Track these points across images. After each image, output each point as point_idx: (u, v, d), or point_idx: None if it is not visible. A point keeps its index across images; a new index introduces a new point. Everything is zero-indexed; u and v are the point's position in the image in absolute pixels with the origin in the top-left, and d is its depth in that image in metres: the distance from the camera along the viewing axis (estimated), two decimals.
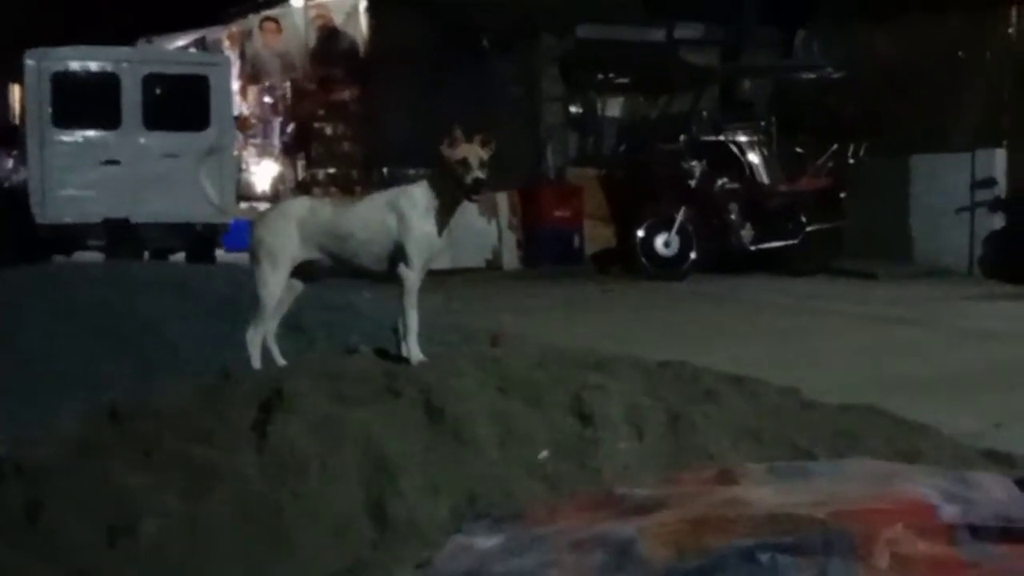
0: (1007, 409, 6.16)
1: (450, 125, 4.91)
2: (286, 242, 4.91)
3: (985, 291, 12.49)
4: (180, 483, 3.73)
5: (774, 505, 2.69)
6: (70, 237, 13.77)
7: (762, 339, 9.28)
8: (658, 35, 17.56)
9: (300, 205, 5.14)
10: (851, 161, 14.71)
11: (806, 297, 12.24)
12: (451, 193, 4.86)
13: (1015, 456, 4.49)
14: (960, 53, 14.37)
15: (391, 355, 5.03)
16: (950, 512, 2.67)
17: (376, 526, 3.62)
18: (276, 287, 4.93)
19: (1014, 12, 14.43)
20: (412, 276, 4.87)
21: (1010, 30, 14.40)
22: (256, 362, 4.94)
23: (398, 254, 4.87)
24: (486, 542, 2.93)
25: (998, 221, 14.00)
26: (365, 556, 3.48)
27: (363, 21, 17.79)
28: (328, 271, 5.15)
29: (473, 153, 4.82)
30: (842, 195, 14.58)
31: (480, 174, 4.80)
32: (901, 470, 3.07)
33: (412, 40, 16.89)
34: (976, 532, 2.62)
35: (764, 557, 2.51)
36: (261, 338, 4.98)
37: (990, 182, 14.17)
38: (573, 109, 18.00)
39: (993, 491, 2.86)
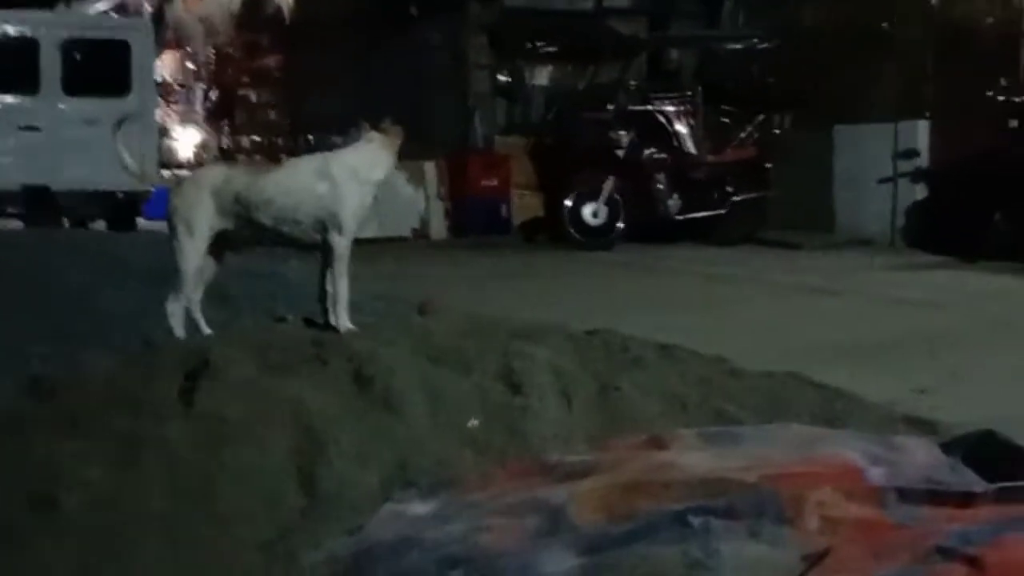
0: (928, 376, 6.27)
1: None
2: (201, 211, 4.87)
3: (907, 261, 12.67)
4: (106, 453, 3.69)
5: (705, 469, 2.73)
6: None
7: (689, 308, 9.34)
8: (586, 4, 17.56)
9: (215, 173, 5.11)
10: (776, 132, 14.83)
11: (732, 266, 12.34)
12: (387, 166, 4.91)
13: (937, 422, 4.58)
14: (884, 24, 14.52)
15: (319, 324, 5.02)
16: (877, 475, 2.72)
17: (306, 495, 3.61)
18: (194, 256, 4.90)
19: None
20: (344, 243, 4.87)
21: (932, 2, 14.58)
22: (179, 331, 4.91)
23: (329, 222, 4.85)
24: (418, 508, 2.95)
25: (920, 192, 14.19)
26: (295, 524, 3.48)
27: None
28: (250, 240, 5.13)
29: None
30: (767, 166, 14.71)
31: None
32: (828, 435, 3.13)
33: (340, 6, 16.75)
34: (903, 495, 2.67)
35: (696, 520, 2.54)
36: (183, 308, 4.95)
37: (912, 153, 14.34)
38: (501, 77, 17.96)
39: (918, 455, 2.92)
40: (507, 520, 2.68)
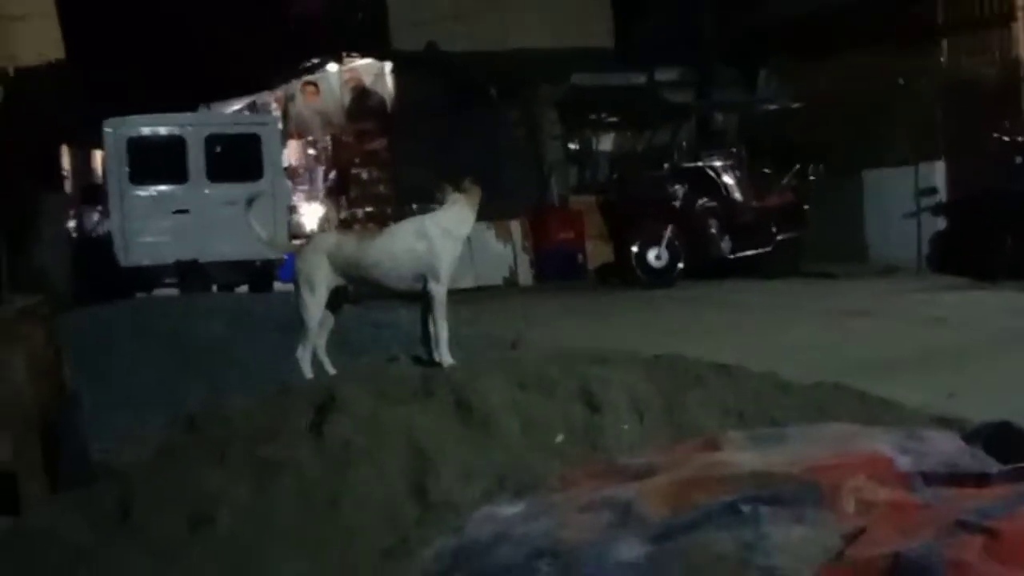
0: (957, 384, 6.12)
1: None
2: (318, 271, 4.93)
3: (933, 284, 12.42)
4: (249, 478, 3.72)
5: (754, 465, 2.69)
6: (148, 276, 13.84)
7: (742, 333, 9.24)
8: (640, 79, 17.59)
9: (329, 239, 5.18)
10: (810, 178, 14.69)
11: (778, 296, 12.21)
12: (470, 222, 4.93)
13: (963, 420, 4.46)
14: (900, 80, 14.33)
15: (425, 362, 5.04)
16: (905, 462, 2.68)
17: (419, 507, 3.61)
18: (316, 309, 4.95)
19: (945, 44, 14.43)
20: (442, 291, 4.89)
21: (942, 59, 14.39)
22: (308, 373, 4.95)
23: (429, 273, 4.88)
24: (509, 509, 2.92)
25: (941, 223, 13.93)
26: (410, 532, 3.47)
27: (389, 81, 17.86)
28: (363, 291, 5.18)
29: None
30: (804, 207, 14.56)
31: None
32: (862, 431, 3.06)
33: (431, 94, 16.96)
34: (927, 478, 2.64)
35: (747, 508, 2.52)
36: (311, 353, 4.99)
37: (932, 190, 14.12)
38: (571, 145, 18.03)
39: (941, 444, 2.87)
40: (584, 516, 2.66)
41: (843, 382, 4.84)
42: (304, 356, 4.97)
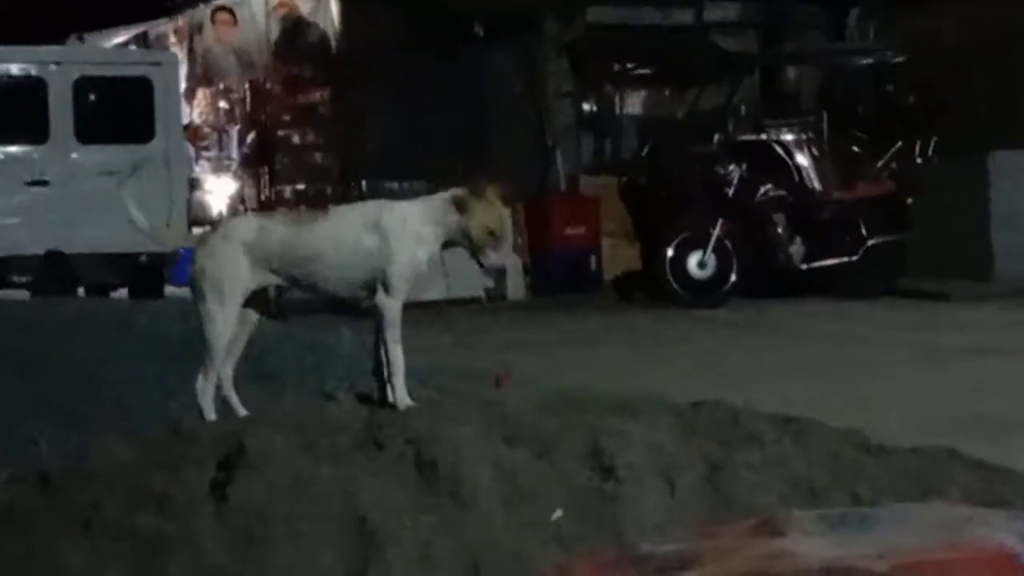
0: None
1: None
2: (233, 271, 4.92)
3: None
4: (125, 558, 3.73)
5: (827, 558, 2.71)
6: None
7: (815, 375, 9.27)
8: (685, 17, 17.65)
9: (246, 225, 5.16)
10: (918, 161, 14.75)
11: (867, 325, 12.24)
12: (450, 230, 4.92)
13: None
14: None
15: (373, 401, 5.05)
16: None
17: None
18: (226, 325, 4.94)
19: None
20: (394, 306, 4.90)
21: None
22: (210, 414, 4.96)
23: (378, 280, 4.90)
24: None
25: None
26: None
27: (334, 9, 17.88)
28: (290, 300, 5.18)
29: (499, 220, 4.90)
30: (908, 202, 14.60)
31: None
32: (975, 514, 3.09)
33: (394, 30, 16.95)
34: None
35: None
36: (214, 386, 5.00)
37: None
38: (586, 107, 18.08)
39: None
40: None
41: (954, 446, 4.87)
42: (205, 391, 4.98)
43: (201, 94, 20.25)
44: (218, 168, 19.68)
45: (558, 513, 3.97)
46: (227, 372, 5.08)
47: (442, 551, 3.78)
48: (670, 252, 14.30)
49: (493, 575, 3.65)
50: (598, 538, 3.83)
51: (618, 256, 16.04)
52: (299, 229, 5.03)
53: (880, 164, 14.72)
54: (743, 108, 15.65)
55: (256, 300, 5.10)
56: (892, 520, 3.04)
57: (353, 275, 4.95)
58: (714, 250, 14.23)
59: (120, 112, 14.62)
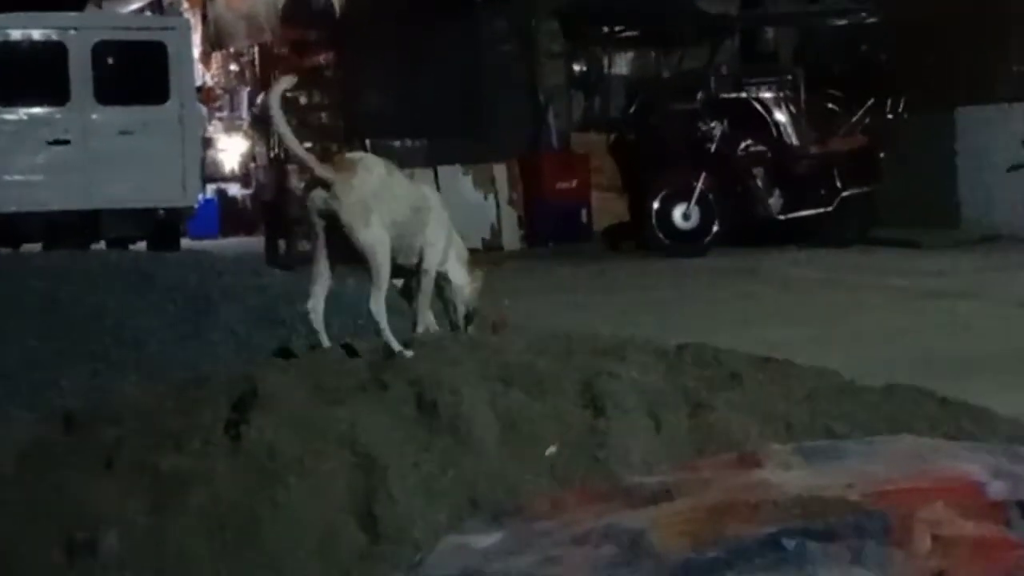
0: None
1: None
2: (379, 190, 4.68)
3: None
4: (145, 493, 3.73)
5: (801, 488, 2.71)
6: (15, 227, 13.79)
7: (793, 319, 9.29)
8: None
9: (377, 162, 4.95)
10: (889, 117, 14.71)
11: (842, 270, 12.25)
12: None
13: None
14: None
15: (377, 346, 5.04)
16: (999, 489, 2.68)
17: (365, 534, 3.63)
18: (386, 245, 4.70)
19: None
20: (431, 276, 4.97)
21: None
22: (393, 341, 4.74)
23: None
24: (483, 540, 2.94)
25: None
26: (353, 568, 3.49)
27: None
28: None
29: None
30: (880, 155, 14.59)
31: None
32: (943, 446, 3.09)
33: None
34: None
35: (790, 543, 2.52)
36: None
37: None
38: (576, 67, 18.00)
39: None
40: (580, 550, 2.68)
41: (921, 383, 4.88)
42: (382, 311, 4.70)
43: (213, 57, 20.18)
44: (230, 128, 19.66)
45: (551, 449, 3.97)
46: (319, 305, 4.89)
47: (443, 485, 3.78)
48: (656, 204, 14.32)
49: (490, 506, 3.66)
50: (589, 472, 3.84)
51: (607, 208, 16.05)
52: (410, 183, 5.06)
53: (853, 120, 14.69)
54: (724, 68, 15.60)
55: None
56: (863, 452, 3.04)
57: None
58: (697, 202, 14.24)
59: (136, 74, 14.57)
